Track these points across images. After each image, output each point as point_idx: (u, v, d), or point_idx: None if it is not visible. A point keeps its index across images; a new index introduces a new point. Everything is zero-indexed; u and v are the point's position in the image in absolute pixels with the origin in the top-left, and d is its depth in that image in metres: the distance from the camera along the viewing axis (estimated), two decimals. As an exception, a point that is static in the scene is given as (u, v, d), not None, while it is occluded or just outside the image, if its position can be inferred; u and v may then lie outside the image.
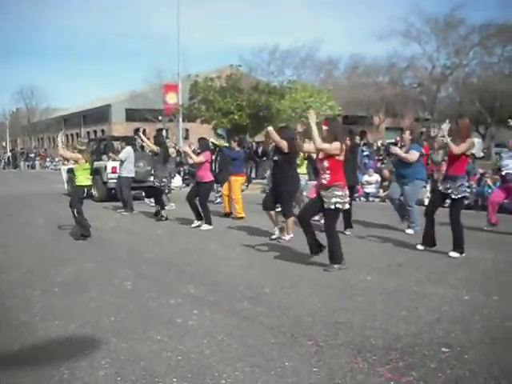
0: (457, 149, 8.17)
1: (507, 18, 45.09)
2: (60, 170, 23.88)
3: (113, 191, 17.32)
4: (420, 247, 8.85)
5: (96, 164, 17.57)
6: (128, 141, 16.52)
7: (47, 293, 6.53)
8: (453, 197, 8.29)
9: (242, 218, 13.04)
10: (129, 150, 15.32)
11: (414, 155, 10.37)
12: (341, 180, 7.53)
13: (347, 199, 7.64)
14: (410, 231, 10.53)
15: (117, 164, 16.48)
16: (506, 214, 12.46)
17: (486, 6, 80.00)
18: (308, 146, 8.56)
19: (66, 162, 21.45)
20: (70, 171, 17.76)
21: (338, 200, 7.44)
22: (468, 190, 8.50)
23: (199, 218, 11.94)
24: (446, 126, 8.43)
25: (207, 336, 4.89)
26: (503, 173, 10.86)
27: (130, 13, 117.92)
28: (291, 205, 10.34)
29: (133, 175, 15.27)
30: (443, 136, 8.33)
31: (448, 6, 58.10)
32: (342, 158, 7.55)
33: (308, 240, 8.01)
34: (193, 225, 11.94)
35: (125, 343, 4.74)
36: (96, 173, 17.35)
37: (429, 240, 8.78)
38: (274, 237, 10.03)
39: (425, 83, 49.38)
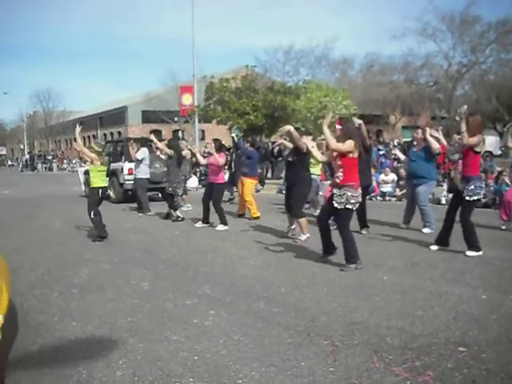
0: (467, 138, 8.10)
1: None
2: (77, 171, 24.03)
3: (129, 193, 17.42)
4: (433, 247, 8.82)
5: (113, 166, 17.68)
6: (144, 142, 16.57)
7: (65, 294, 6.59)
8: (464, 197, 8.27)
9: (258, 217, 13.05)
10: (145, 150, 15.38)
11: (437, 145, 10.34)
12: (354, 180, 7.52)
13: (359, 199, 7.62)
14: (426, 230, 10.50)
15: (133, 165, 16.57)
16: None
17: (502, 2, 79.11)
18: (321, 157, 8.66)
19: (83, 164, 21.59)
20: (87, 173, 17.93)
21: (350, 200, 7.45)
22: (482, 192, 8.41)
23: (206, 221, 12.07)
24: (463, 110, 8.34)
25: (223, 336, 4.92)
26: None
27: (144, 14, 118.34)
28: (301, 206, 10.38)
29: (148, 176, 15.35)
30: (461, 119, 8.20)
31: (463, 2, 57.60)
32: (355, 155, 7.55)
33: (322, 240, 8.06)
34: (196, 224, 12.09)
35: (142, 343, 4.78)
36: (112, 174, 17.46)
37: (443, 239, 8.75)
38: (301, 237, 9.99)
39: (441, 81, 49.10)
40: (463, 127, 8.13)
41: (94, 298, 6.38)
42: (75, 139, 10.98)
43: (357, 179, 7.59)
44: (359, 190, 7.62)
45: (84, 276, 7.50)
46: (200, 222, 12.10)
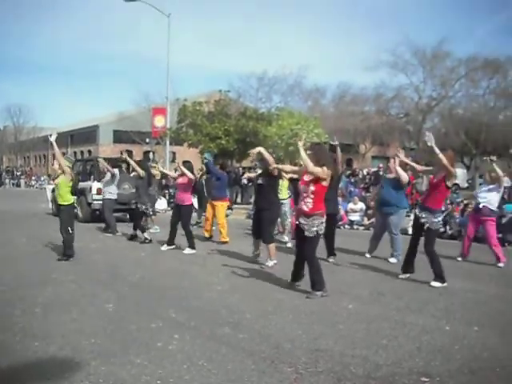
0: (444, 159, 8.24)
1: (493, 52, 45.79)
2: (45, 189, 23.80)
3: (97, 212, 17.33)
4: (402, 276, 8.93)
5: (81, 185, 17.57)
6: (114, 162, 16.51)
7: (28, 313, 6.48)
8: (429, 227, 8.43)
9: (226, 242, 13.03)
10: (115, 171, 15.34)
11: (406, 177, 10.44)
12: (322, 208, 7.59)
13: (324, 225, 7.70)
14: (393, 260, 10.59)
15: (102, 185, 16.58)
16: (482, 244, 12.36)
17: (472, 40, 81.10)
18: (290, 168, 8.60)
19: (51, 181, 21.36)
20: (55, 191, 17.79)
21: (319, 228, 7.51)
22: (441, 224, 8.62)
23: (171, 243, 11.99)
24: (431, 136, 8.43)
25: (187, 361, 4.88)
26: (480, 205, 10.90)
27: (120, 35, 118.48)
28: (272, 231, 10.37)
29: (115, 197, 15.29)
30: (431, 146, 8.31)
31: (435, 38, 59.22)
32: (327, 183, 7.59)
33: (294, 267, 8.07)
34: (162, 247, 11.98)
35: (104, 366, 4.72)
36: (81, 193, 17.33)
37: (408, 267, 8.89)
38: (268, 263, 9.98)
39: (411, 113, 49.85)
40: (436, 149, 8.23)
41: (58, 318, 6.29)
42: (51, 144, 10.72)
43: (323, 207, 7.65)
44: (324, 218, 7.69)
45: (48, 295, 7.39)
46: (165, 245, 12.03)
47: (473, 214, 11.51)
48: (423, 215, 8.55)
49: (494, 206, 10.79)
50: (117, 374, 4.54)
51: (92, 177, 18.56)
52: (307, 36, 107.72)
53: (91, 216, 17.75)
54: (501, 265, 10.54)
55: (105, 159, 17.02)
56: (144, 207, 13.56)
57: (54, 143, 10.53)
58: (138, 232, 13.48)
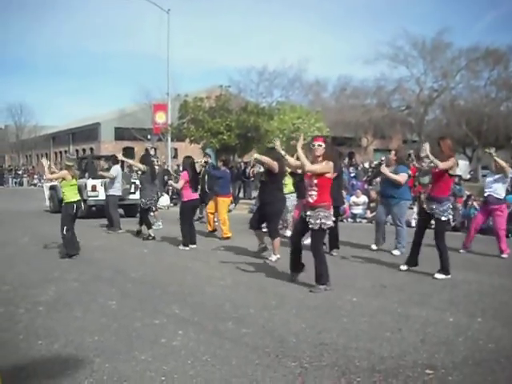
0: (441, 164, 8.30)
1: (493, 42, 45.79)
2: (43, 186, 23.88)
3: (93, 208, 17.81)
4: (403, 267, 8.96)
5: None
6: (115, 159, 16.53)
7: (31, 311, 6.48)
8: (437, 217, 8.40)
9: (229, 237, 13.02)
10: (117, 168, 15.34)
11: (403, 177, 10.51)
12: (327, 200, 7.56)
13: (332, 219, 7.67)
14: (396, 252, 10.58)
15: (96, 182, 17.46)
16: (486, 236, 12.39)
17: (473, 30, 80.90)
18: (294, 162, 8.55)
19: (53, 180, 21.35)
20: (52, 188, 18.12)
21: (324, 221, 7.47)
22: (452, 213, 8.57)
23: (192, 242, 11.87)
24: (426, 145, 8.56)
25: (191, 356, 4.88)
26: (485, 194, 10.94)
27: (120, 32, 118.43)
28: (277, 226, 10.34)
29: (120, 194, 15.31)
30: (427, 156, 8.45)
31: (435, 29, 59.16)
32: (331, 175, 7.58)
33: (291, 258, 8.10)
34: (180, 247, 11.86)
35: (108, 363, 4.72)
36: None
37: (413, 260, 8.88)
38: (271, 258, 9.97)
39: (412, 106, 49.77)
40: (431, 156, 8.33)
41: (61, 316, 6.29)
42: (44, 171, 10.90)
43: (329, 199, 7.63)
44: (331, 211, 7.67)
45: (51, 293, 7.39)
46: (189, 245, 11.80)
47: (483, 205, 11.49)
48: (431, 206, 8.54)
49: (499, 195, 10.77)
50: (121, 371, 4.54)
51: (87, 174, 18.93)
52: (306, 29, 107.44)
53: (87, 212, 17.89)
54: (504, 256, 10.53)
55: (99, 157, 17.23)
56: (145, 200, 13.52)
57: (47, 170, 10.78)
58: (143, 228, 13.46)
